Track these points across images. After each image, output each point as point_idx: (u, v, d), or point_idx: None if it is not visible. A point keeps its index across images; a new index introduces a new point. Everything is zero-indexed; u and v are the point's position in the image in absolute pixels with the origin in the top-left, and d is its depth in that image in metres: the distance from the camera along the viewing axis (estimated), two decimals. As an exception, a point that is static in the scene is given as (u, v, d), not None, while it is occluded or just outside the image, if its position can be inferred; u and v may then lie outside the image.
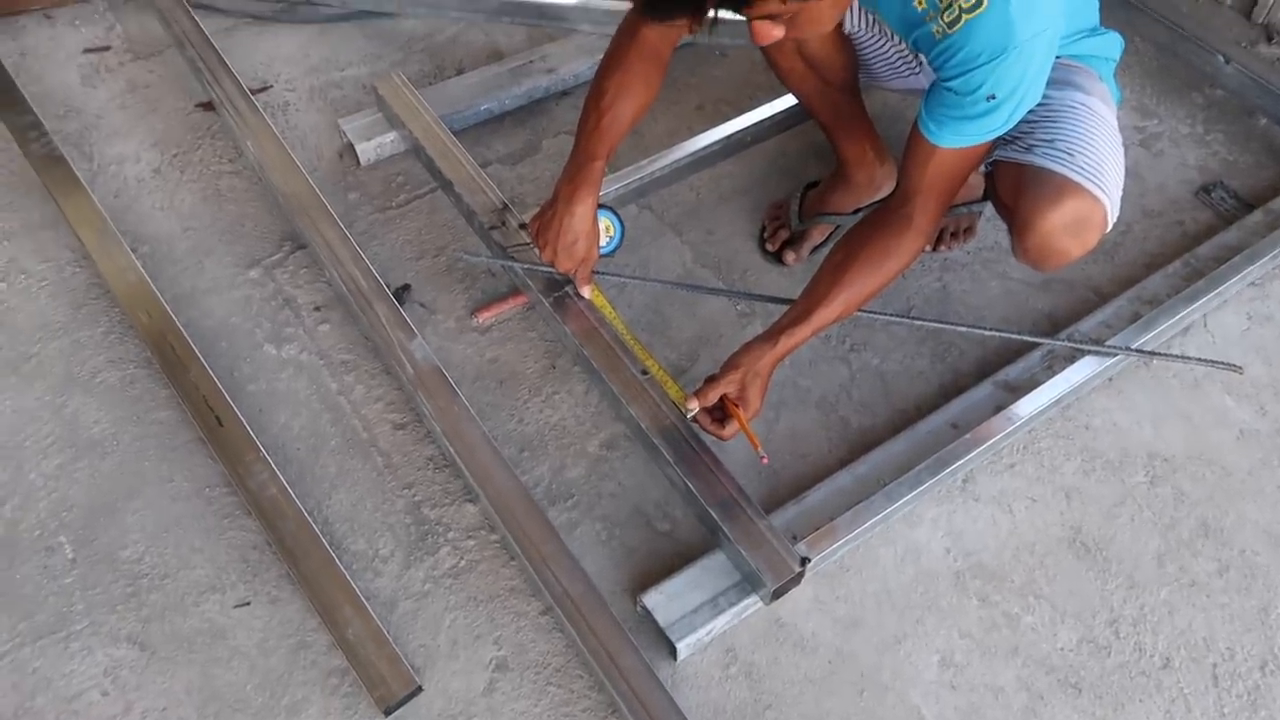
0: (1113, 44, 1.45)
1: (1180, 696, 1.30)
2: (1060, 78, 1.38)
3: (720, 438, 1.36)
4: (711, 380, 1.34)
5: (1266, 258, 1.66)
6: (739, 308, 1.67)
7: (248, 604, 1.34)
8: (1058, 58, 1.39)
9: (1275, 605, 1.38)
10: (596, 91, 1.39)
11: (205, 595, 1.34)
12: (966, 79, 1.18)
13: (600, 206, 1.47)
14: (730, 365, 1.34)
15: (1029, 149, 1.34)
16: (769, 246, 1.74)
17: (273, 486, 1.40)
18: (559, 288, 1.55)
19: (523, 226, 1.61)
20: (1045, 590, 1.39)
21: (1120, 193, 1.34)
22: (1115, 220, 1.35)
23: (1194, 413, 1.57)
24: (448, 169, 1.72)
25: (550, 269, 1.53)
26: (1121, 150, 1.36)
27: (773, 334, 1.33)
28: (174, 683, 1.27)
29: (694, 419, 1.37)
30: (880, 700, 1.29)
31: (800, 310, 1.34)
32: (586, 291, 1.53)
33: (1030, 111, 1.33)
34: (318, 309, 1.64)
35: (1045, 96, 1.35)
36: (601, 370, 1.46)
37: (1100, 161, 1.31)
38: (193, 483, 1.44)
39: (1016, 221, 1.36)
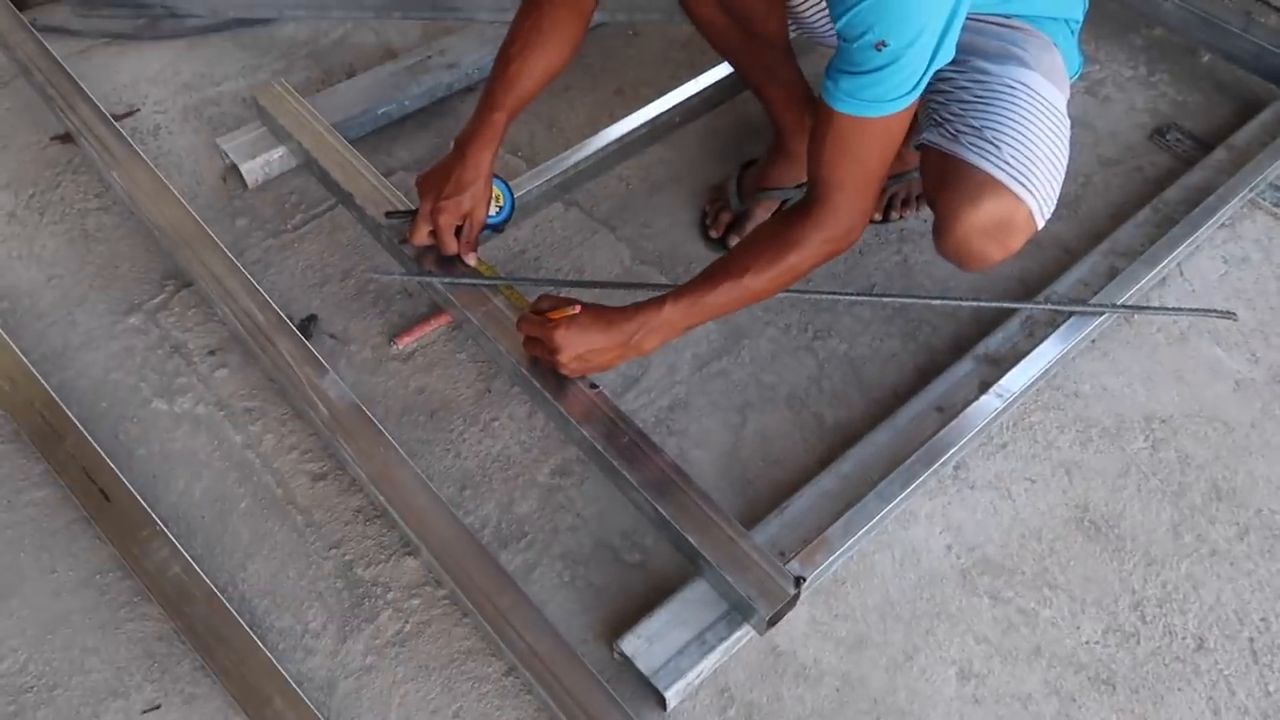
0: (1072, 2, 1.29)
1: (1221, 679, 1.18)
2: (1001, 48, 1.23)
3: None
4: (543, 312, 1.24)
5: (1237, 198, 1.56)
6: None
7: (157, 707, 1.14)
8: (1001, 16, 1.25)
9: (1301, 566, 1.27)
10: (507, 39, 1.28)
11: (105, 703, 1.13)
12: (850, 19, 1.00)
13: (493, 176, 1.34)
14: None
15: (955, 136, 1.20)
16: (713, 233, 1.59)
17: (175, 564, 1.20)
18: (487, 301, 1.37)
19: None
20: (1059, 579, 1.26)
21: (1055, 188, 1.20)
22: (1047, 217, 1.21)
23: (1185, 368, 1.46)
24: (346, 181, 1.53)
25: (474, 280, 1.36)
26: (1063, 139, 1.21)
27: (646, 305, 1.21)
28: (74, 815, 1.06)
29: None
30: (899, 727, 1.14)
31: (683, 291, 1.20)
32: (471, 260, 1.37)
33: (964, 90, 1.19)
34: (212, 353, 1.44)
35: (982, 73, 1.22)
36: (544, 389, 1.29)
37: (1030, 155, 1.17)
38: (79, 571, 1.22)
39: (936, 218, 1.23)
